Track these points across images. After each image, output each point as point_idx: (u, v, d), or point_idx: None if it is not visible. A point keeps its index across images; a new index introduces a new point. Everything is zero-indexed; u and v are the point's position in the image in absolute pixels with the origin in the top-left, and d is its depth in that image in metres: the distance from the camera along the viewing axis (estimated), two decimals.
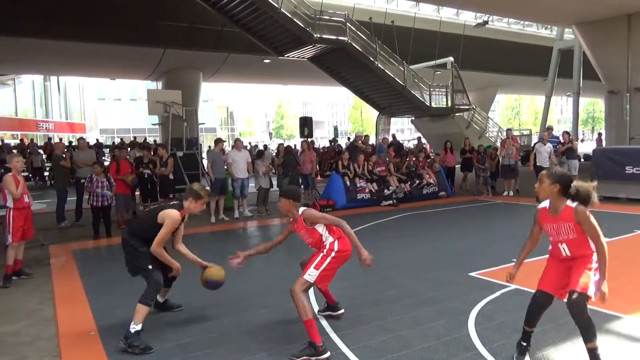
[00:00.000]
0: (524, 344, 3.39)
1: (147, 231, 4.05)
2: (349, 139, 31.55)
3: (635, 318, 4.07)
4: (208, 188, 4.28)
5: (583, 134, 58.75)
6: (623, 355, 3.45)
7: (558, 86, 26.06)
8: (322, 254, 3.81)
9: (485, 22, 24.33)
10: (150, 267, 3.99)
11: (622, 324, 3.91)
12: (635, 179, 10.68)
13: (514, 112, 72.10)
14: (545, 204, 3.30)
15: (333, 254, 3.79)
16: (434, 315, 4.31)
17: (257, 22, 16.20)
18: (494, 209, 11.06)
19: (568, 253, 3.23)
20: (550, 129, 13.65)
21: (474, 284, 5.24)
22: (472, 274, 5.58)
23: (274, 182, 11.95)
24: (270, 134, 41.52)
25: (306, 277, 3.73)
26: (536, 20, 24.63)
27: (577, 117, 25.39)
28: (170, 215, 3.97)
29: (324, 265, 3.76)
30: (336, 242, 3.83)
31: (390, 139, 20.66)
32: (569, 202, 3.15)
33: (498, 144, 19.31)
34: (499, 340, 3.75)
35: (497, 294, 4.81)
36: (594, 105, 65.67)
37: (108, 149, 22.69)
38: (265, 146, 30.10)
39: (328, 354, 3.52)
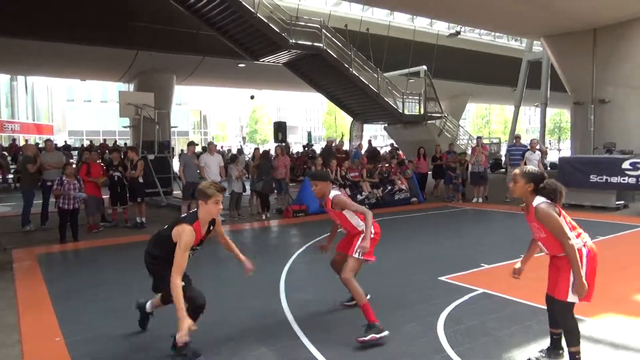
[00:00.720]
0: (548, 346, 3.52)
1: (163, 251, 3.59)
2: (310, 145, 29.98)
3: (597, 320, 4.22)
4: (216, 183, 3.69)
5: (550, 143, 60.37)
6: (586, 357, 3.55)
7: (527, 96, 26.76)
8: (362, 237, 4.10)
9: (458, 33, 24.90)
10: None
11: (584, 327, 4.00)
12: (599, 187, 11.07)
13: (484, 121, 73.83)
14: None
15: (372, 235, 4.13)
16: (405, 319, 4.37)
17: (233, 26, 16.17)
18: (464, 215, 11.27)
19: (546, 251, 3.33)
20: (518, 137, 14.01)
21: (444, 288, 5.33)
22: (442, 278, 5.67)
23: (247, 187, 11.88)
24: (243, 138, 41.17)
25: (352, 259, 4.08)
26: (507, 32, 25.31)
27: (544, 126, 26.14)
28: (182, 231, 3.40)
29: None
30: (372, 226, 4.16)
31: (366, 145, 20.77)
32: (534, 201, 3.19)
33: (469, 151, 19.68)
34: (468, 343, 3.83)
35: (466, 297, 4.91)
36: (560, 116, 67.55)
37: (76, 152, 22.11)
38: (240, 150, 29.85)
39: (387, 332, 3.81)
